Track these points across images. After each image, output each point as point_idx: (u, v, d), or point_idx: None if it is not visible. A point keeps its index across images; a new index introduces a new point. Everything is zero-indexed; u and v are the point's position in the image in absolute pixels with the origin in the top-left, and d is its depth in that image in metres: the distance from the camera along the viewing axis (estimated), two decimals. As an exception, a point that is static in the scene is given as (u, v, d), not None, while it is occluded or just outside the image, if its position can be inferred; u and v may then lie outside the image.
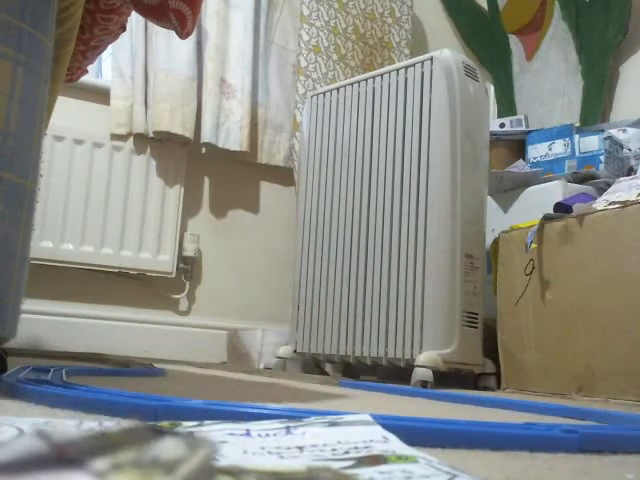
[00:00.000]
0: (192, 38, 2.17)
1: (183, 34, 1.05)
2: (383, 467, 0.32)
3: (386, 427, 0.41)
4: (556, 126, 2.14)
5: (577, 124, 2.21)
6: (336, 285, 1.76)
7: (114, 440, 0.14)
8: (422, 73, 1.67)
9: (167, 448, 0.15)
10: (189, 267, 2.27)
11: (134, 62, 2.17)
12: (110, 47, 1.39)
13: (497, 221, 1.89)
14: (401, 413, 0.76)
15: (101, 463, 0.13)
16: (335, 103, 1.88)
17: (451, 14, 2.79)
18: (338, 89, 1.89)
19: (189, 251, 2.26)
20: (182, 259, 2.26)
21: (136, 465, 0.14)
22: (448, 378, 1.55)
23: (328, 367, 1.96)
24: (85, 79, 1.55)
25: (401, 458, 0.34)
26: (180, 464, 0.14)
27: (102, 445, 0.14)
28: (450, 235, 1.57)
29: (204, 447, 0.15)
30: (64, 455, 0.13)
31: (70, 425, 0.41)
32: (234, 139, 2.25)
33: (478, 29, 2.74)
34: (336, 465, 0.32)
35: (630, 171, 1.94)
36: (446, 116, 1.60)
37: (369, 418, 0.44)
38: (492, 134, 2.05)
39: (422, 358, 1.50)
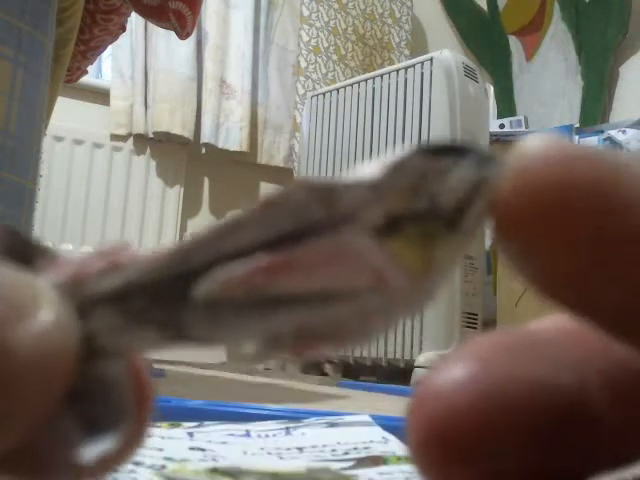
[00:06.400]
0: (192, 38, 2.17)
1: (183, 35, 1.05)
2: (383, 468, 0.32)
3: (386, 428, 0.41)
4: (556, 127, 2.14)
5: (577, 125, 2.21)
6: (336, 286, 1.76)
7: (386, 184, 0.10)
8: (422, 74, 1.67)
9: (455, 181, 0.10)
10: (189, 267, 2.27)
11: (134, 62, 2.17)
12: (110, 47, 1.39)
13: (497, 222, 1.89)
14: (401, 414, 0.76)
15: (374, 215, 0.10)
16: (335, 104, 1.88)
17: (451, 15, 2.79)
18: (338, 90, 1.89)
19: (189, 251, 2.26)
20: (182, 259, 2.26)
21: (415, 218, 0.10)
22: (448, 379, 1.54)
23: (327, 368, 1.96)
24: (85, 79, 1.55)
25: (401, 459, 0.34)
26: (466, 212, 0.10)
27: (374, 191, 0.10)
28: (450, 236, 1.57)
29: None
30: (333, 209, 0.10)
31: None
32: (234, 139, 2.25)
33: (478, 30, 2.74)
34: (336, 466, 0.32)
35: (630, 172, 1.94)
36: (446, 117, 1.60)
37: (369, 419, 0.43)
38: (492, 135, 2.05)
39: (422, 359, 1.50)
